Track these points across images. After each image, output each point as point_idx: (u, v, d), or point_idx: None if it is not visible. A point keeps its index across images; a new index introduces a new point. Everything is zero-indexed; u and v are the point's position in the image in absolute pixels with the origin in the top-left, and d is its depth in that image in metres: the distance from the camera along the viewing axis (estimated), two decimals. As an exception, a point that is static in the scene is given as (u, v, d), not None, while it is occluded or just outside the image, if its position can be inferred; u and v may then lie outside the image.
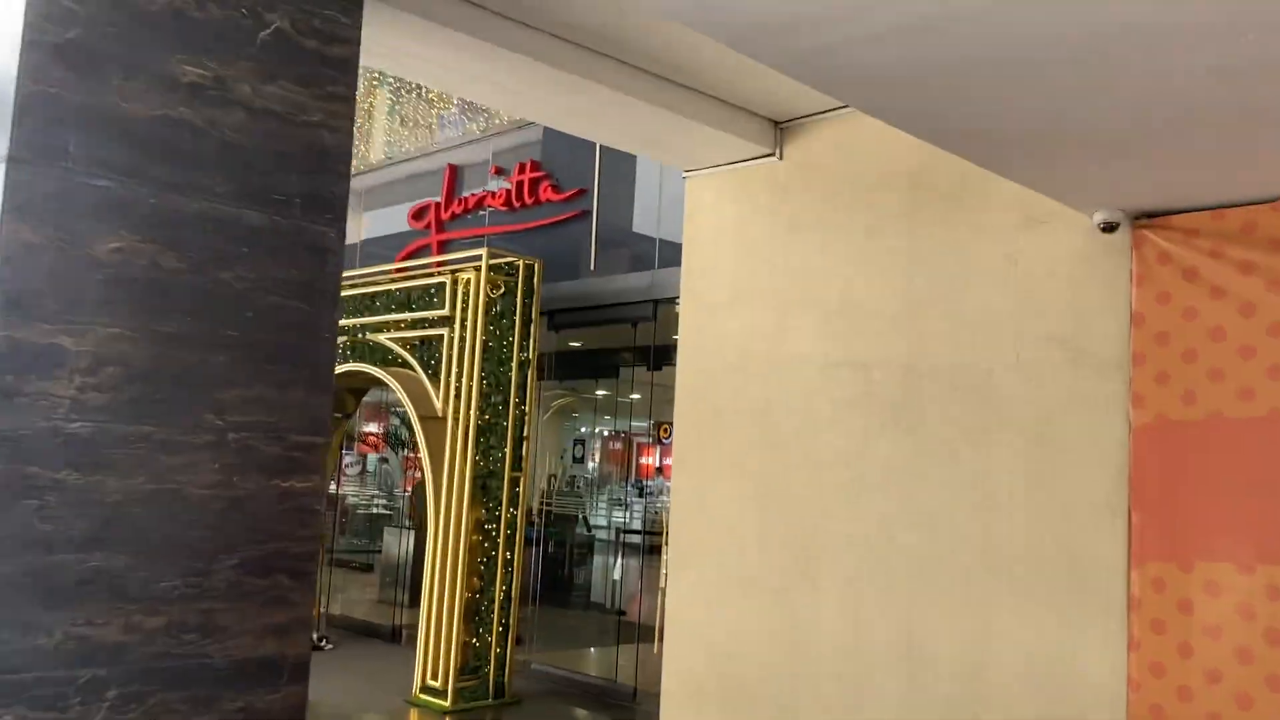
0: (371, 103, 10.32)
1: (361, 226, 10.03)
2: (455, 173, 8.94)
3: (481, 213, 8.53)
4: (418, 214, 9.19)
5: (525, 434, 7.01)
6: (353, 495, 12.98)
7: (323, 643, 8.61)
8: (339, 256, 3.02)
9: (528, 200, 8.07)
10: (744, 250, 5.35)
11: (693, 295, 5.60)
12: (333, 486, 12.12)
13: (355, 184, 10.25)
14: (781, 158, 5.22)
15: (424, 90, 9.60)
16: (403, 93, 9.84)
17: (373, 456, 13.72)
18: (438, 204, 8.98)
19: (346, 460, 13.09)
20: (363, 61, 4.09)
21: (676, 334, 7.02)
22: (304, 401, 2.89)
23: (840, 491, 4.81)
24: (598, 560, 10.93)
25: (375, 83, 10.29)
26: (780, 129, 5.23)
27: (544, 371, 8.51)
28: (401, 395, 7.34)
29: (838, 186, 5.01)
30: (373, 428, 13.59)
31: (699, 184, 5.61)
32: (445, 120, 9.44)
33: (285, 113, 2.88)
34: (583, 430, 10.73)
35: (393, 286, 7.81)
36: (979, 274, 4.38)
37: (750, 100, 5.02)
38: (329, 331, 2.99)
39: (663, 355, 7.57)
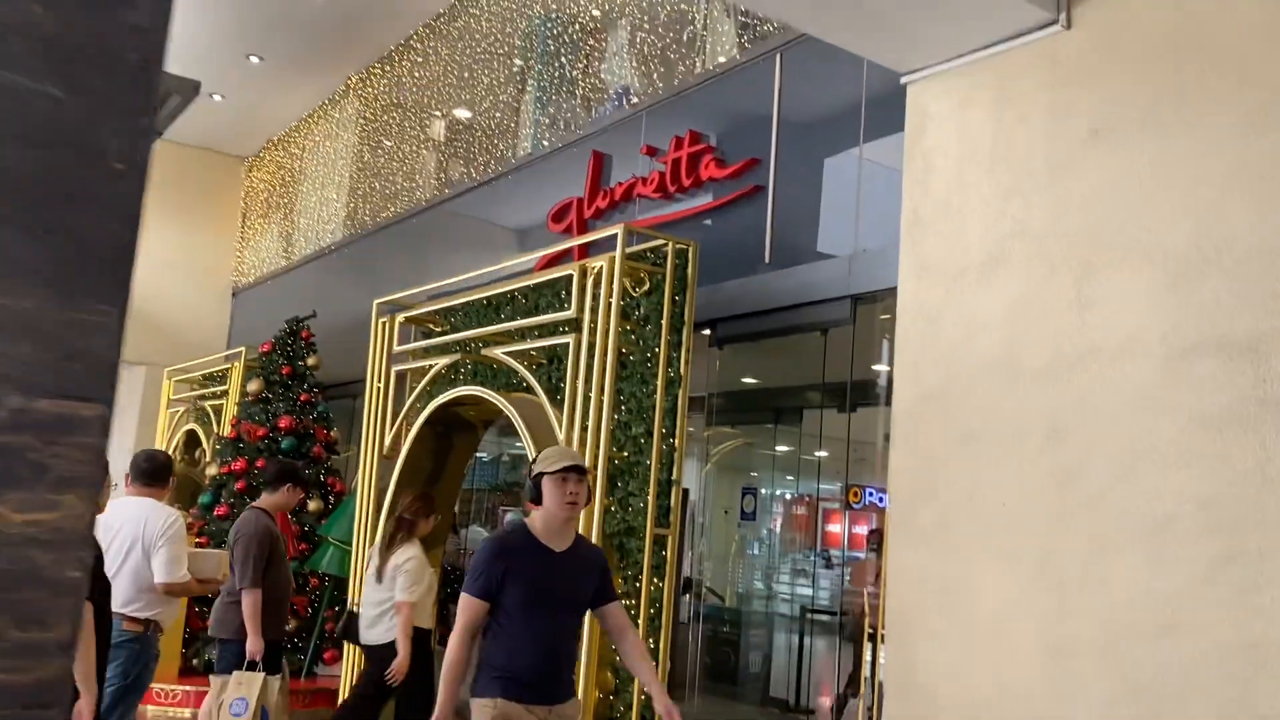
0: (516, 94, 8.89)
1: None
2: (601, 161, 7.31)
3: (631, 204, 6.84)
4: (558, 215, 7.59)
5: (675, 477, 5.18)
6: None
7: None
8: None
9: (685, 182, 6.32)
10: (1008, 181, 3.39)
11: (919, 260, 3.66)
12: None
13: (501, 215, 8.78)
14: (1069, 26, 3.25)
15: (573, 83, 8.08)
16: (548, 86, 8.36)
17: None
18: (580, 200, 7.36)
19: (508, 517, 11.53)
20: None
21: (888, 337, 5.05)
22: (42, 317, 1.18)
23: (1208, 575, 2.73)
24: (778, 643, 8.90)
25: (519, 74, 8.87)
26: (1069, -20, 3.27)
27: (709, 416, 6.68)
28: (518, 424, 5.65)
29: (1178, 60, 3.00)
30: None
31: (928, 90, 3.69)
32: (597, 113, 7.86)
33: None
34: (756, 483, 8.80)
35: (516, 287, 6.20)
36: None
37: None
38: (128, 159, 1.29)
39: (861, 390, 5.61)
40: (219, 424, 10.00)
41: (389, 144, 10.90)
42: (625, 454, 5.35)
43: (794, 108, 5.79)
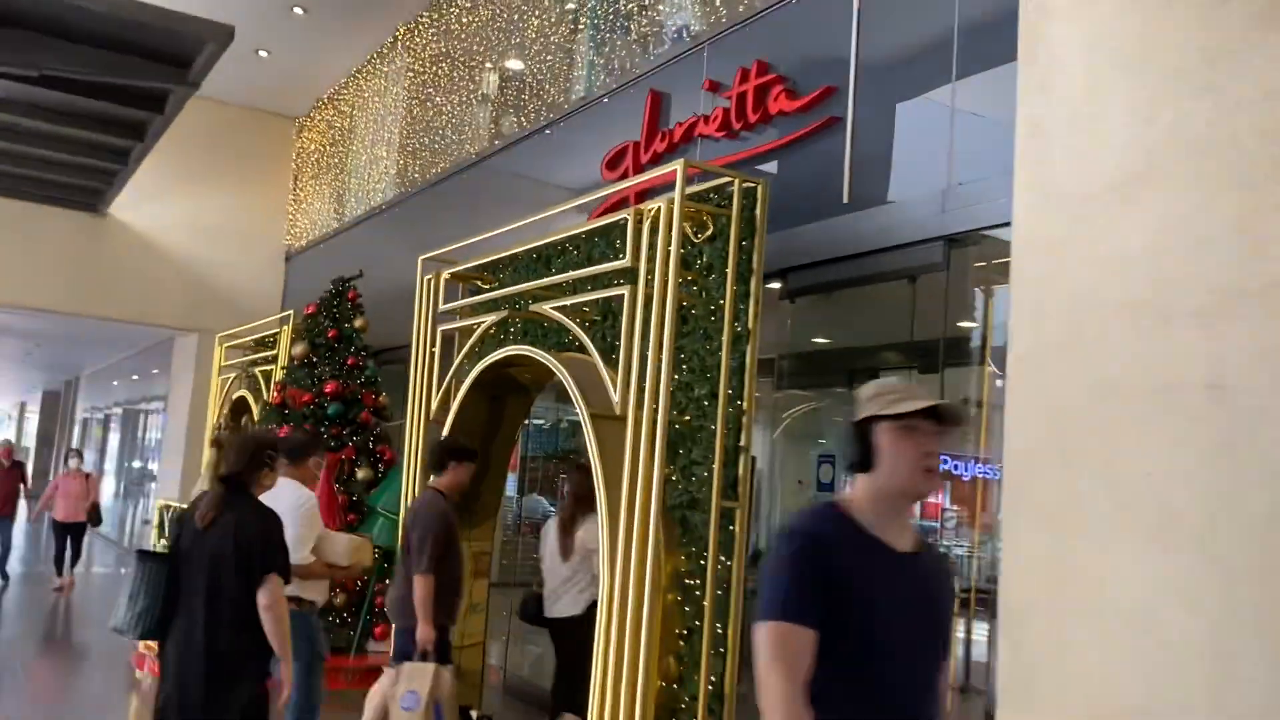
0: (569, 35, 8.33)
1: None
2: (658, 101, 6.74)
3: (692, 145, 6.27)
4: (612, 162, 7.05)
5: (743, 444, 4.64)
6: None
7: (483, 723, 6.52)
8: None
9: (752, 118, 5.72)
10: (1153, 80, 2.77)
11: (1039, 181, 3.06)
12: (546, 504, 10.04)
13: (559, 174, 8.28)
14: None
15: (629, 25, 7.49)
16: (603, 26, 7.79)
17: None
18: (636, 144, 6.81)
19: (568, 488, 11.12)
20: None
21: (985, 286, 4.46)
22: None
23: None
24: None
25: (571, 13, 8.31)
26: None
27: (778, 378, 6.11)
28: (570, 386, 5.16)
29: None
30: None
31: (1052, -26, 3.08)
32: (655, 50, 7.26)
33: None
34: (833, 451, 8.17)
35: (567, 236, 5.69)
36: None
37: None
38: None
39: (954, 348, 5.00)
40: (268, 390, 9.68)
41: (438, 98, 10.42)
42: (687, 418, 4.83)
43: (876, 26, 5.16)
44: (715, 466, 4.59)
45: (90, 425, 28.65)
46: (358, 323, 8.57)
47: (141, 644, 7.84)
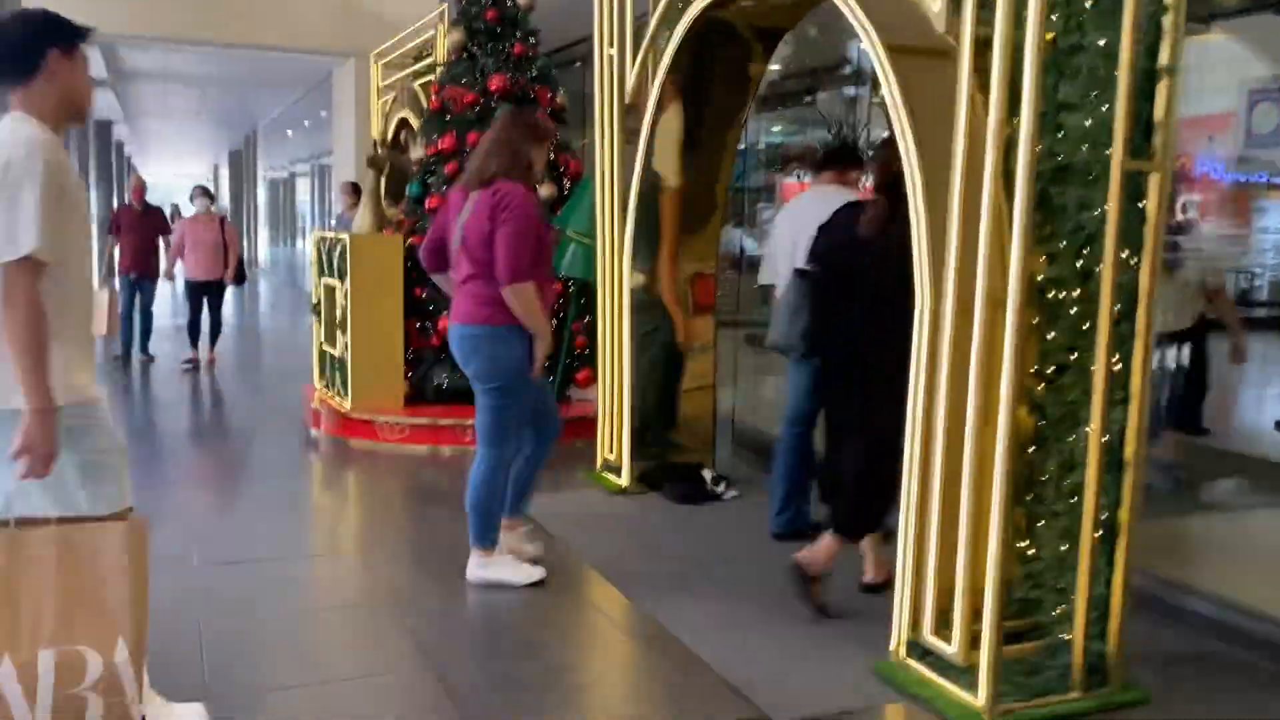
0: None
1: None
2: None
3: None
4: None
5: (1166, 63, 2.77)
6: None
7: (720, 486, 5.20)
8: None
9: None
10: None
11: None
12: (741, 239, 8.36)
13: None
14: None
15: None
16: None
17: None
18: None
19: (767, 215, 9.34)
20: None
21: None
22: None
23: None
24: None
25: None
26: None
27: None
28: (854, 13, 3.33)
29: None
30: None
31: None
32: None
33: None
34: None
35: None
36: None
37: None
38: None
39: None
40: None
41: None
42: (1051, 36, 2.98)
43: None
44: (1118, 105, 2.76)
45: (276, 187, 28.52)
46: (521, -1, 6.83)
47: (316, 398, 6.89)
